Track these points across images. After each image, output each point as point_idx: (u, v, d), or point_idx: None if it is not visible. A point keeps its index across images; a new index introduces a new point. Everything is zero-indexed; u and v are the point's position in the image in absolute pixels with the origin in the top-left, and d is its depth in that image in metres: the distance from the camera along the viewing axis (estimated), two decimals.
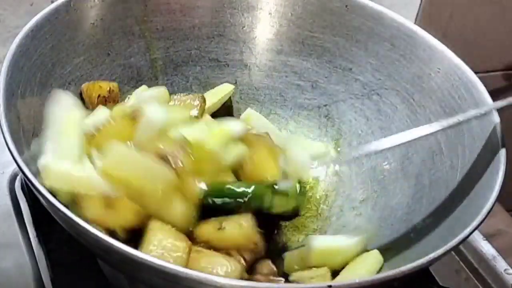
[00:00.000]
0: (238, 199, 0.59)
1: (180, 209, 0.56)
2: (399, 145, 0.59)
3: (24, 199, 0.68)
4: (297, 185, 0.63)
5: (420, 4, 1.02)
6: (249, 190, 0.59)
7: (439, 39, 0.67)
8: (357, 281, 0.44)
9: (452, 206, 0.57)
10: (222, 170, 0.61)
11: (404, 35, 0.68)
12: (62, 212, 0.46)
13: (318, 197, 0.70)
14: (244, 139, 0.63)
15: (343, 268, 0.58)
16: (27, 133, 0.56)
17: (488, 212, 0.50)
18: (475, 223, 0.49)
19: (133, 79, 0.71)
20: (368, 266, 0.58)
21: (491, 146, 0.57)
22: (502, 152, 0.56)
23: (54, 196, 0.48)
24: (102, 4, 0.66)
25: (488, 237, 0.71)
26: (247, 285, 0.45)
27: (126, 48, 0.69)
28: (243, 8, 0.73)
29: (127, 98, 0.67)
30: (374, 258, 0.59)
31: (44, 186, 0.48)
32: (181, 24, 0.72)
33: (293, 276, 0.59)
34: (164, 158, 0.55)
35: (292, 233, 0.67)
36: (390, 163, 0.68)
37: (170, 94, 0.68)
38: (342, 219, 0.68)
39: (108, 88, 0.66)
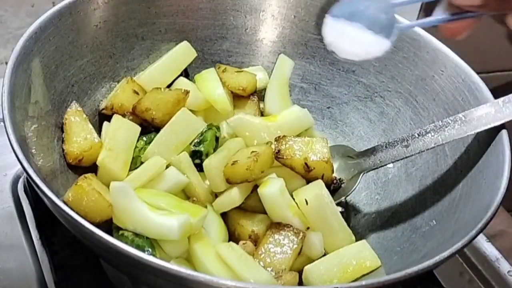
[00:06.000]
0: None
1: None
2: None
3: (27, 201, 0.67)
4: None
5: (421, 5, 1.02)
6: None
7: (439, 40, 0.67)
8: (363, 283, 0.44)
9: (456, 209, 0.57)
10: None
11: (408, 37, 0.68)
12: (67, 213, 0.46)
13: None
14: None
15: None
16: (31, 134, 0.56)
17: (494, 215, 0.50)
18: (480, 225, 0.49)
19: None
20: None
21: (496, 148, 0.57)
22: (507, 155, 0.56)
23: None
24: (105, 6, 0.66)
25: (489, 238, 0.71)
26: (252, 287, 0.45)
27: (129, 50, 0.69)
28: (246, 10, 0.73)
29: None
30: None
31: None
32: (183, 27, 0.72)
33: None
34: None
35: None
36: (393, 165, 0.67)
37: None
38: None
39: None
